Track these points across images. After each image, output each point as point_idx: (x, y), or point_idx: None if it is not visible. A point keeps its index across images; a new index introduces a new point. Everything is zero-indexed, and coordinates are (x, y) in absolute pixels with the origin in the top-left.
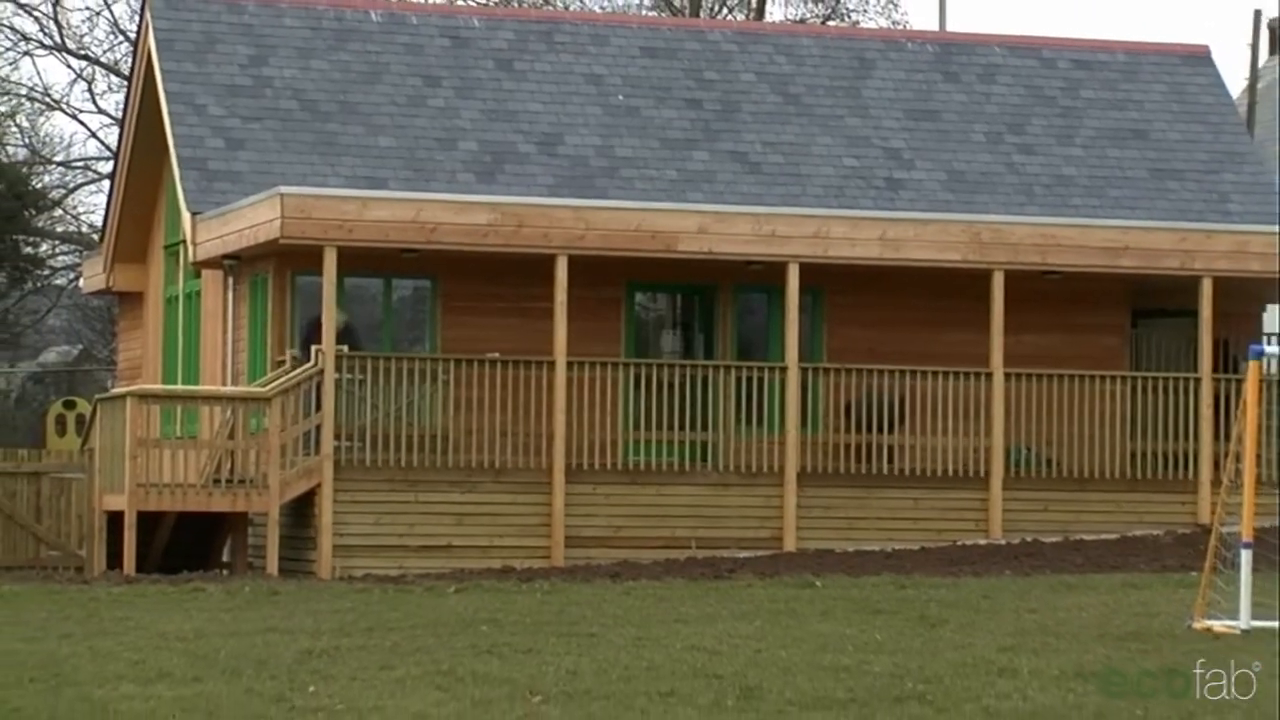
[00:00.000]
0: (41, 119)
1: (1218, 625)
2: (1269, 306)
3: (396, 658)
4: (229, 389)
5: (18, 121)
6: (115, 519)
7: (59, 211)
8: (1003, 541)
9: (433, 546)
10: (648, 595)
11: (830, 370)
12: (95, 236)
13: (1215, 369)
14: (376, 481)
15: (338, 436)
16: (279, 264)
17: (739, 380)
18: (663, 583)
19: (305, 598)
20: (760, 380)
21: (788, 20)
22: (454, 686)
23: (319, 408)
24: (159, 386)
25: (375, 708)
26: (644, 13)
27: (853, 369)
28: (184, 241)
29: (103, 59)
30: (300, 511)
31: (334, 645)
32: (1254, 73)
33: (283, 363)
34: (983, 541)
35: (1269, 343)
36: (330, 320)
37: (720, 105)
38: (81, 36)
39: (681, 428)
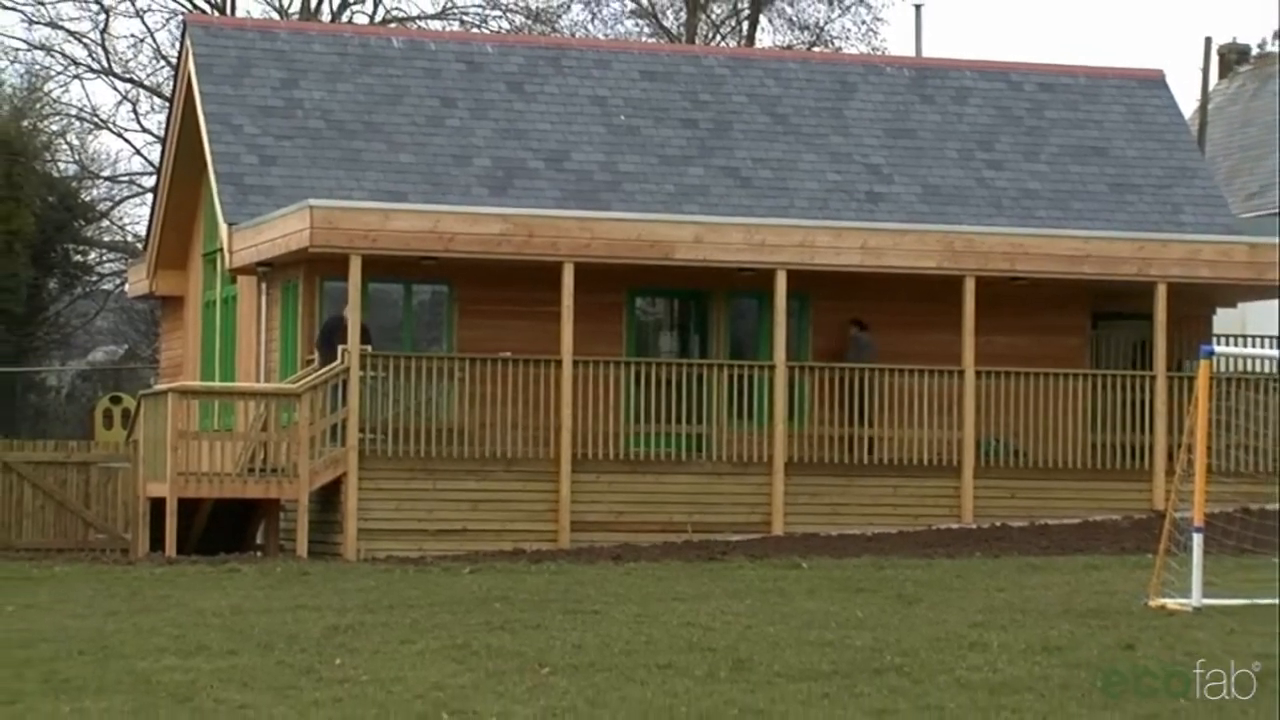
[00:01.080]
0: (90, 137)
1: (1171, 603)
2: (1234, 307)
3: (416, 633)
4: (262, 385)
5: (68, 140)
6: (157, 505)
7: (106, 222)
8: (974, 526)
9: (449, 530)
10: (647, 575)
11: (815, 369)
12: (139, 245)
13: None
14: (398, 471)
15: (362, 429)
16: (308, 270)
17: (731, 378)
18: (661, 564)
19: (332, 578)
20: (751, 378)
21: (776, 46)
22: (469, 659)
23: (345, 403)
24: (198, 383)
25: (397, 679)
26: (644, 40)
27: (836, 367)
28: (221, 250)
29: (146, 82)
30: (327, 498)
31: (359, 621)
32: (1205, 94)
33: (311, 361)
34: (955, 526)
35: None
36: (356, 321)
37: (714, 124)
38: (127, 61)
39: (678, 421)
